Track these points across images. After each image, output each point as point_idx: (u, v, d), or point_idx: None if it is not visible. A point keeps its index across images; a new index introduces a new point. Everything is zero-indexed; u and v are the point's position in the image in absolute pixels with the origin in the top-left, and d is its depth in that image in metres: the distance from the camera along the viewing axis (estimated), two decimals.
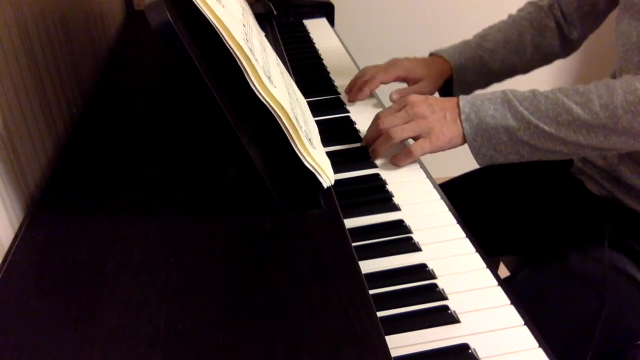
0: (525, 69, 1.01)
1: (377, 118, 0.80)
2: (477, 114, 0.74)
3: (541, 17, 0.97)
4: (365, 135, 0.82)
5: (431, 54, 1.03)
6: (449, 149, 0.77)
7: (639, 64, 0.77)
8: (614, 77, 0.88)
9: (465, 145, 0.76)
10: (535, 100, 0.72)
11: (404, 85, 0.99)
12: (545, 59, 1.01)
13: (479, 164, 0.76)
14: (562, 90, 0.73)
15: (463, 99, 0.76)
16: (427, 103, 0.77)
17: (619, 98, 0.68)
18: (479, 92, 0.99)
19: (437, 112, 0.76)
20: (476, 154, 0.75)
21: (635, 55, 0.77)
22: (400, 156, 0.77)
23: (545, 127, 0.71)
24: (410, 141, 0.79)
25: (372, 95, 0.97)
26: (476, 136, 0.74)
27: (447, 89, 1.01)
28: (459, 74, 0.99)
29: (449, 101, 0.77)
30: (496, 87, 1.02)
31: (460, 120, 0.74)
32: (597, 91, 0.70)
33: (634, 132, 0.68)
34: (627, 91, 0.68)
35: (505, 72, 1.01)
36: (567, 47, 1.00)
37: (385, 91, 0.96)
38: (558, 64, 1.06)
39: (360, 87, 0.94)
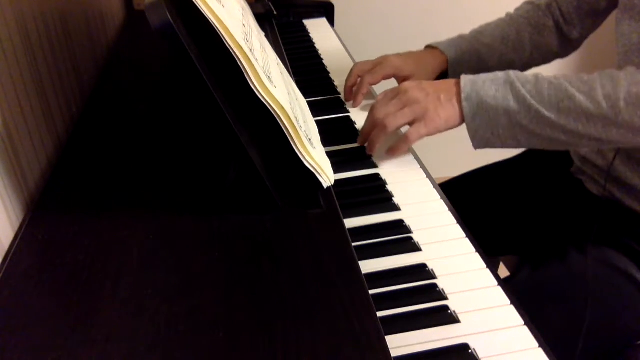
0: (524, 67, 1.01)
1: (372, 109, 0.79)
2: (478, 93, 0.73)
3: (539, 17, 0.97)
4: (362, 129, 0.81)
5: (427, 47, 1.02)
6: (446, 129, 0.76)
7: (639, 65, 0.77)
8: None
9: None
10: (538, 85, 0.71)
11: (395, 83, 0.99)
12: (544, 58, 1.00)
13: (474, 147, 0.75)
14: (566, 77, 0.72)
15: (464, 78, 0.75)
16: (420, 87, 0.77)
17: (622, 90, 0.67)
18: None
19: (430, 95, 0.76)
20: (473, 135, 0.74)
21: (635, 57, 0.77)
22: (397, 144, 0.76)
23: (546, 113, 0.70)
24: (406, 128, 0.79)
25: (371, 95, 0.97)
26: (475, 116, 0.73)
27: None
28: (454, 67, 0.98)
29: (445, 83, 0.77)
30: None
31: (460, 100, 0.74)
32: (601, 81, 0.69)
33: (633, 125, 0.68)
34: (631, 83, 0.67)
35: (503, 69, 1.00)
36: (566, 47, 0.99)
37: (384, 87, 0.95)
38: (557, 64, 1.05)
39: (354, 95, 0.94)
